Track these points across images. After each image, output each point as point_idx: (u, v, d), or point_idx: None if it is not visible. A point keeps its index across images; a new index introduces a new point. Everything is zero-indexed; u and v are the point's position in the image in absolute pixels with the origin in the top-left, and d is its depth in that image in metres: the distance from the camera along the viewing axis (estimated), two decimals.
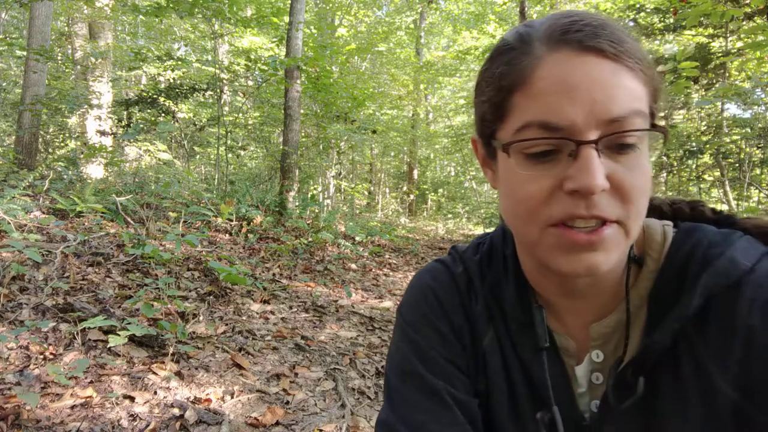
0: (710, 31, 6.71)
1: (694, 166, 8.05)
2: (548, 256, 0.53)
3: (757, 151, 7.13)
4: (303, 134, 9.28)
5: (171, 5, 6.38)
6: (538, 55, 0.51)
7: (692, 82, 6.27)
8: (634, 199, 0.50)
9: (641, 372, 0.56)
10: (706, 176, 8.18)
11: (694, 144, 7.16)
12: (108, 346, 2.17)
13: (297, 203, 7.19)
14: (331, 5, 13.25)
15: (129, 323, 2.26)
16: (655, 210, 0.67)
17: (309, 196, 7.78)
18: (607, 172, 0.49)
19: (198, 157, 12.56)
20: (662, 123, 0.59)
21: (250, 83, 8.98)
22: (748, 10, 4.84)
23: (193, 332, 2.65)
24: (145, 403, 1.92)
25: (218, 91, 7.83)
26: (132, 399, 1.92)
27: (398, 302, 4.58)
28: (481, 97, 0.58)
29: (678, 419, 0.55)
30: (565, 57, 0.50)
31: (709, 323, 0.53)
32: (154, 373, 2.13)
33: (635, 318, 0.59)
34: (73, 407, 1.80)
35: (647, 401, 0.56)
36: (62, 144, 9.76)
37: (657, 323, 0.56)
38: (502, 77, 0.54)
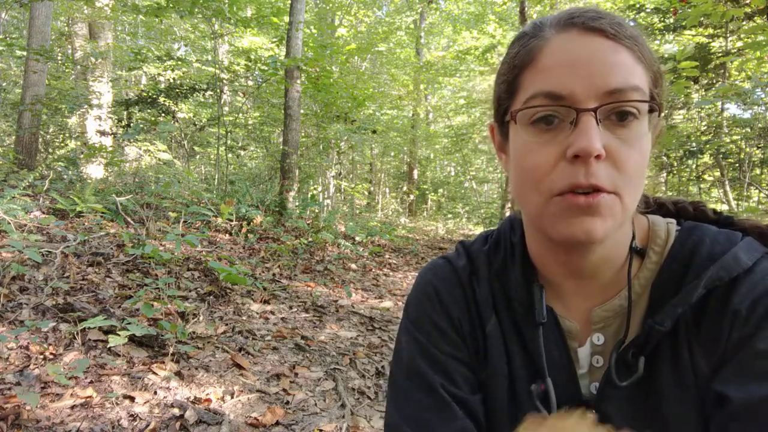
0: (710, 31, 6.70)
1: (694, 166, 8.04)
2: (550, 224, 0.57)
3: (757, 151, 7.12)
4: (303, 134, 9.27)
5: (171, 5, 6.38)
6: (546, 37, 0.58)
7: (692, 82, 6.26)
8: (629, 172, 0.54)
9: (642, 353, 0.59)
10: (706, 176, 8.17)
11: (694, 144, 7.15)
12: (108, 346, 2.17)
13: (297, 203, 7.19)
14: (331, 5, 13.25)
15: (129, 323, 2.26)
16: (660, 208, 0.71)
17: (309, 196, 7.78)
18: (605, 143, 0.53)
19: (198, 157, 12.55)
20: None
21: (250, 83, 8.98)
22: (748, 10, 4.83)
23: (193, 332, 2.65)
24: (145, 403, 1.92)
25: (218, 91, 7.83)
26: (132, 399, 1.92)
27: (398, 302, 4.57)
28: (498, 80, 0.63)
29: (675, 400, 0.57)
30: (570, 37, 0.56)
31: (705, 313, 0.57)
32: (154, 373, 2.13)
33: (636, 304, 0.62)
34: (73, 407, 1.80)
35: (647, 382, 0.59)
36: (62, 144, 9.76)
37: (658, 309, 0.59)
38: (515, 57, 0.60)
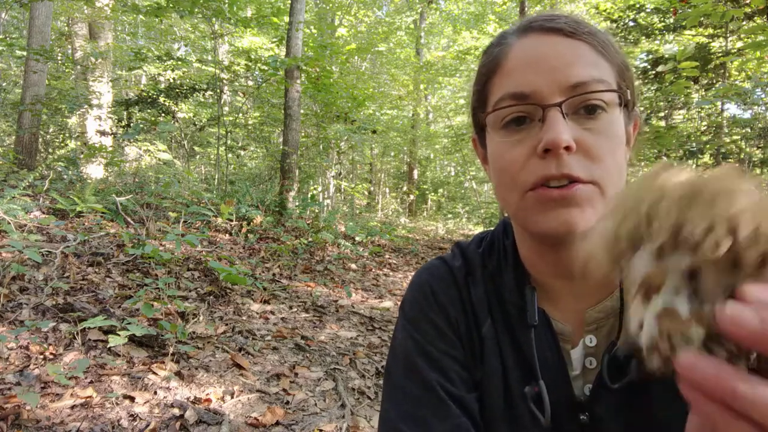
0: (710, 31, 6.70)
1: (694, 166, 8.04)
2: (529, 218, 0.58)
3: (757, 151, 7.12)
4: (303, 134, 9.27)
5: (171, 5, 6.38)
6: (509, 43, 0.61)
7: (692, 82, 6.26)
8: (604, 161, 0.55)
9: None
10: None
11: (694, 144, 7.15)
12: (108, 346, 2.17)
13: (297, 203, 7.19)
14: (331, 5, 13.25)
15: (129, 323, 2.26)
16: None
17: (309, 196, 7.78)
18: (575, 136, 0.54)
19: (198, 157, 12.56)
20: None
21: (250, 83, 8.98)
22: (748, 10, 4.83)
23: (193, 332, 2.65)
24: (145, 403, 1.92)
25: (218, 91, 7.83)
26: (132, 399, 1.92)
27: (398, 302, 4.58)
28: (472, 92, 0.66)
29: (666, 403, 0.57)
30: (529, 40, 0.59)
31: None
32: (154, 373, 2.13)
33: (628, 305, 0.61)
34: (73, 407, 1.80)
35: (639, 384, 0.58)
36: (62, 144, 9.76)
37: None
38: (483, 67, 0.63)
